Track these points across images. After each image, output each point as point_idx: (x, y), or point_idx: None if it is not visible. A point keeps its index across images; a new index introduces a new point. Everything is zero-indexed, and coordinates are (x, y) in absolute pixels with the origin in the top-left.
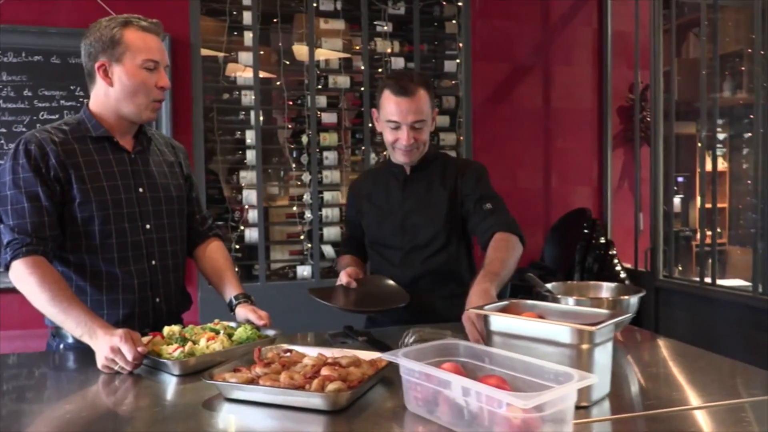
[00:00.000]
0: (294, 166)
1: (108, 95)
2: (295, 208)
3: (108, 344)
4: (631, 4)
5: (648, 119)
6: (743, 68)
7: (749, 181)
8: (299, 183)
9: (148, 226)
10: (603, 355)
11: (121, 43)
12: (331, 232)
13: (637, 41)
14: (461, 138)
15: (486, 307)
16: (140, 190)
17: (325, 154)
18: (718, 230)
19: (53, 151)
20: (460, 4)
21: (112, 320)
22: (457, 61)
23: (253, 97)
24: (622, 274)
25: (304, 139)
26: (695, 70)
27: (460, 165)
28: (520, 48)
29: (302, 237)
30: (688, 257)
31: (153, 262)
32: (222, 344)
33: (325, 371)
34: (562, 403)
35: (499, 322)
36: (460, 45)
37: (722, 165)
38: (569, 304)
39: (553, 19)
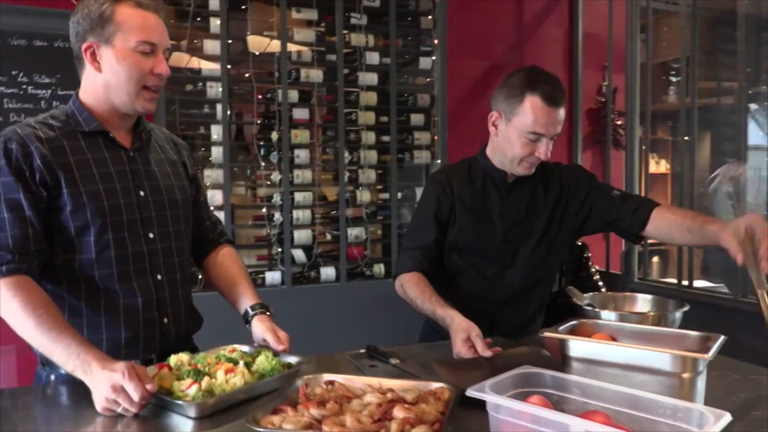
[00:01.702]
0: (263, 164)
1: (97, 82)
2: (264, 210)
3: (108, 382)
4: (601, 5)
5: (616, 122)
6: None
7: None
8: (268, 183)
9: (151, 235)
10: (702, 384)
11: (111, 21)
12: (302, 236)
13: (611, 42)
14: (436, 137)
15: (560, 329)
16: (141, 193)
17: (297, 152)
18: None
19: (38, 150)
20: None
21: (112, 345)
22: (433, 57)
23: (220, 89)
24: (596, 277)
25: (274, 135)
26: (645, 74)
27: (562, 170)
28: (495, 46)
29: (272, 240)
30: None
31: (159, 277)
32: (243, 378)
33: (398, 412)
34: None
35: (582, 347)
36: (436, 41)
37: (666, 168)
38: (612, 318)
39: (527, 18)
